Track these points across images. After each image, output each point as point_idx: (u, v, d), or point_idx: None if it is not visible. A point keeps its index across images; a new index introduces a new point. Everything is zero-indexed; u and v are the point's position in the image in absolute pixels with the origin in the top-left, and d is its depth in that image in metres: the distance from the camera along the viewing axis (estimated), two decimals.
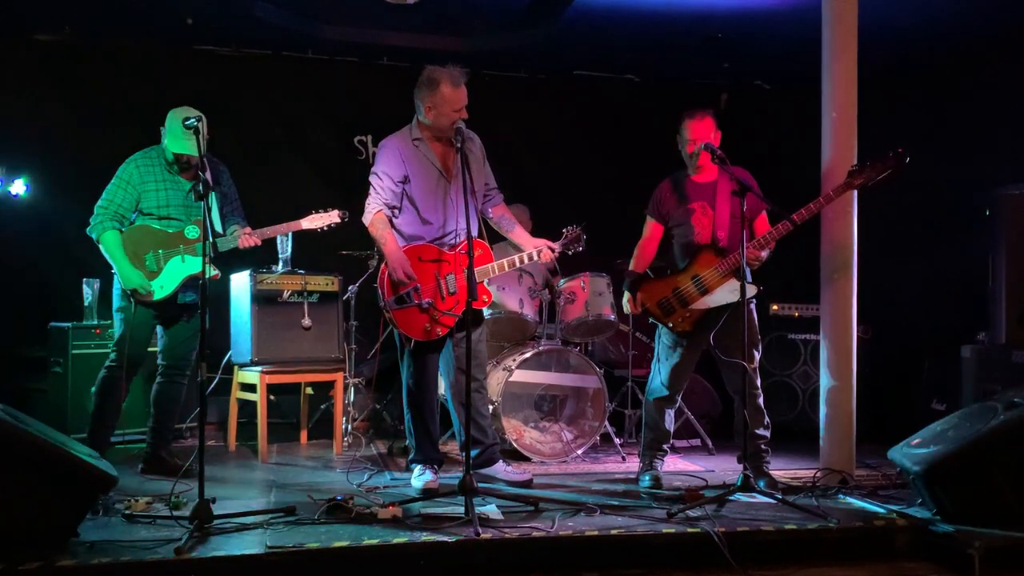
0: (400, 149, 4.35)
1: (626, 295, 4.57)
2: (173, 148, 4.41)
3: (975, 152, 5.96)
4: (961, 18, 5.61)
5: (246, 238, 4.54)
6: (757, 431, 4.42)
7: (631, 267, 4.61)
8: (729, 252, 4.35)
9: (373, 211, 4.33)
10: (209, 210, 3.87)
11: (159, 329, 4.67)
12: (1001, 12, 5.48)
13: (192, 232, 4.51)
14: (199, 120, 3.90)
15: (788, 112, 6.54)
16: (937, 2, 5.40)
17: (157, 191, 4.49)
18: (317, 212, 4.72)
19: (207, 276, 4.43)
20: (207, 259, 3.78)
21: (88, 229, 4.45)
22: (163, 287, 4.47)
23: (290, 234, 5.43)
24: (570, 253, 4.51)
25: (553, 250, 4.46)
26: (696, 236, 4.45)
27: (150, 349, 4.74)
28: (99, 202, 4.46)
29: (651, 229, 4.61)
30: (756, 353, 4.47)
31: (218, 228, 4.60)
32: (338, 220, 4.74)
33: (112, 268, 4.48)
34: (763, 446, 4.45)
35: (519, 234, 4.57)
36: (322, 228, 4.74)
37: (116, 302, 4.56)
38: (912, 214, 6.25)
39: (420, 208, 4.36)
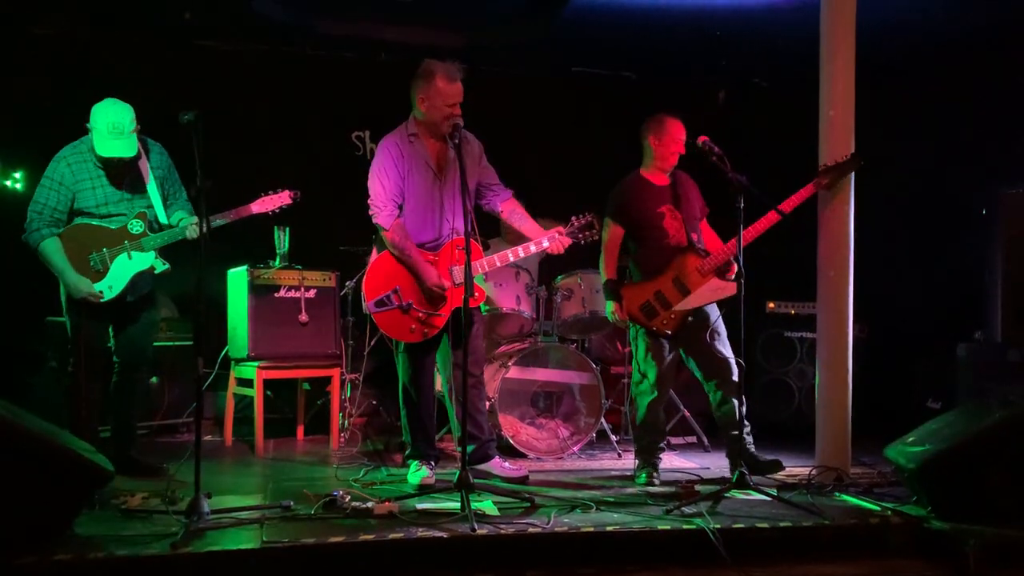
0: (399, 146, 4.34)
1: (611, 304, 4.61)
2: (101, 151, 4.17)
3: (972, 150, 5.97)
4: (959, 16, 5.62)
5: (193, 229, 4.26)
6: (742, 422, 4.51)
7: (606, 275, 4.64)
8: (708, 253, 4.43)
9: (391, 218, 4.28)
10: (212, 206, 3.77)
11: (110, 328, 4.45)
12: (999, 10, 5.48)
13: (136, 227, 4.30)
14: (197, 117, 3.68)
15: (786, 109, 6.54)
16: (934, 1, 5.40)
17: (94, 188, 4.25)
18: (267, 194, 4.47)
19: (158, 271, 4.35)
20: (205, 248, 3.69)
21: (24, 236, 4.23)
22: (111, 287, 4.27)
23: (287, 229, 5.44)
24: (582, 242, 4.43)
25: (562, 235, 4.39)
26: (671, 239, 4.52)
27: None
28: (31, 206, 4.23)
29: (614, 232, 4.63)
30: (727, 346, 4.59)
31: (163, 219, 4.38)
32: (288, 202, 4.50)
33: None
34: (747, 435, 4.55)
35: (531, 227, 4.52)
36: (273, 211, 4.49)
37: (64, 306, 4.34)
38: (908, 212, 6.26)
39: (413, 207, 4.35)
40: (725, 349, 4.55)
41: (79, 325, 4.30)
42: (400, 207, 4.33)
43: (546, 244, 4.40)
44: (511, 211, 4.57)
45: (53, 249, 4.21)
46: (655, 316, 4.47)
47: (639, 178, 4.63)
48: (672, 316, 4.44)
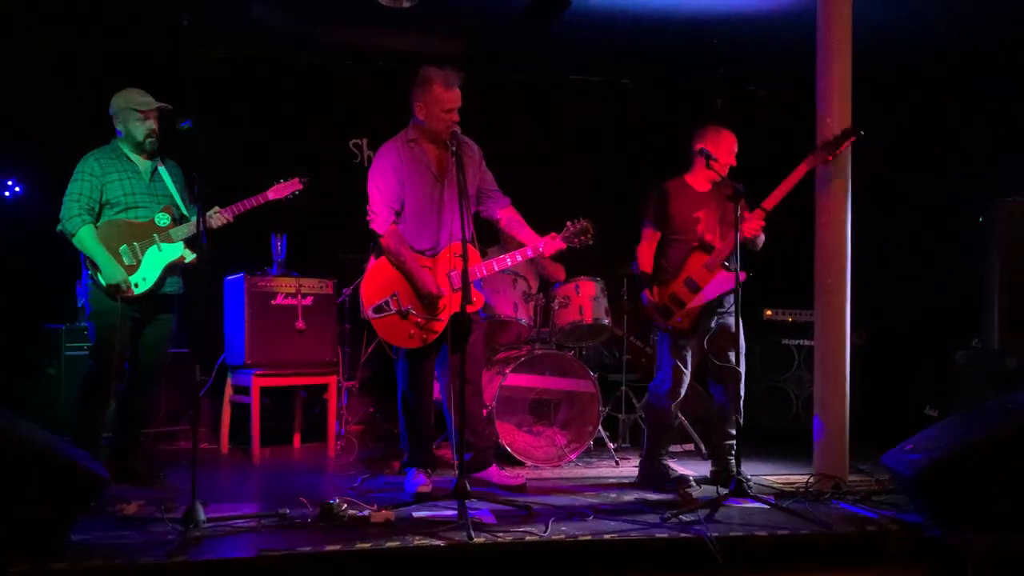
0: (398, 152, 4.34)
1: (645, 290, 4.67)
2: (144, 107, 4.37)
3: (969, 158, 5.98)
4: (956, 23, 5.63)
5: (218, 217, 4.44)
6: (733, 431, 4.58)
7: (640, 268, 4.71)
8: (714, 248, 4.49)
9: (386, 224, 4.29)
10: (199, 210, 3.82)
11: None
12: (997, 18, 5.50)
13: (163, 219, 4.42)
14: (195, 124, 3.81)
15: (783, 117, 6.55)
16: (932, 8, 5.42)
17: (120, 180, 4.38)
18: (280, 182, 4.66)
19: (188, 260, 4.43)
20: (196, 260, 3.72)
21: (60, 226, 4.31)
22: (145, 279, 4.35)
23: (284, 237, 5.44)
24: (578, 247, 4.42)
25: (557, 240, 4.39)
26: (696, 242, 4.55)
27: None
28: (67, 198, 4.33)
29: (650, 236, 4.68)
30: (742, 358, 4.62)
31: (186, 212, 4.52)
32: (300, 187, 4.68)
33: (84, 272, 4.35)
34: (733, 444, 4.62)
35: (528, 236, 4.51)
36: (288, 197, 4.66)
37: (90, 307, 4.37)
38: (906, 219, 6.27)
39: (414, 212, 4.35)
40: (737, 362, 4.58)
41: (105, 327, 4.31)
42: (397, 213, 4.33)
43: (542, 248, 4.39)
44: (509, 219, 4.57)
45: (91, 236, 4.29)
46: (670, 316, 4.53)
47: (680, 182, 4.66)
48: (685, 314, 4.50)
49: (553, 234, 4.41)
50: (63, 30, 6.10)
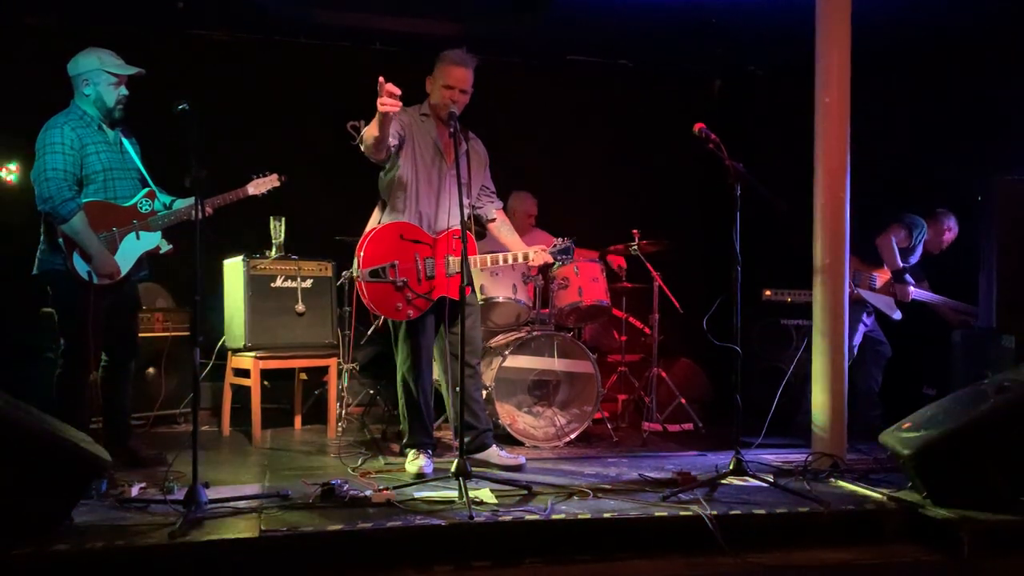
0: (410, 115, 4.39)
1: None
2: (122, 71, 4.17)
3: (967, 137, 5.98)
4: (954, 4, 5.61)
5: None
6: None
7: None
8: None
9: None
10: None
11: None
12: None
13: (145, 205, 4.30)
14: (192, 107, 3.69)
15: (781, 98, 6.54)
16: None
17: (98, 153, 4.17)
18: (258, 177, 4.63)
19: (163, 250, 4.36)
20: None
21: (49, 207, 4.03)
22: (120, 267, 4.23)
23: (283, 220, 5.44)
24: (557, 264, 4.53)
25: (544, 252, 4.46)
26: None
27: None
28: (49, 174, 4.02)
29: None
30: None
31: (154, 188, 4.37)
32: (277, 184, 4.68)
33: (52, 254, 4.16)
34: None
35: (515, 242, 4.58)
36: (263, 193, 4.64)
37: (65, 295, 4.15)
38: (904, 198, 6.26)
39: (416, 189, 4.37)
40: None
41: (83, 309, 4.11)
42: (393, 146, 4.25)
43: (532, 257, 4.44)
44: (502, 221, 4.66)
45: (84, 223, 4.08)
46: None
47: None
48: None
49: (543, 247, 4.45)
50: (59, 13, 6.06)
